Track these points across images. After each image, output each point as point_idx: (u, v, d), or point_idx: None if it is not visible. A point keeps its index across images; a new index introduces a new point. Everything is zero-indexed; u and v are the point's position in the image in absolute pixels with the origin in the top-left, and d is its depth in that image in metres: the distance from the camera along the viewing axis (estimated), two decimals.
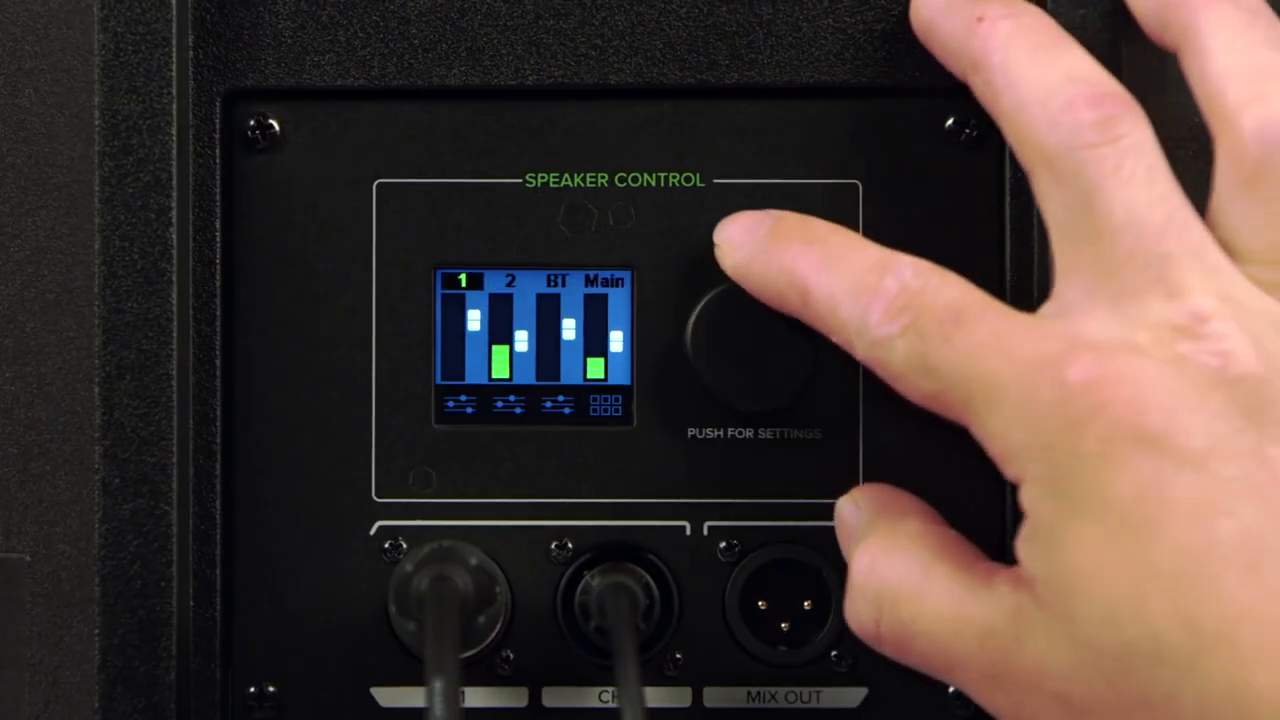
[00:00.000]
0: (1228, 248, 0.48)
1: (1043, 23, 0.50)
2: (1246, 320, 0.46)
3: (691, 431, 0.54)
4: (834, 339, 0.50)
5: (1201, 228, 0.48)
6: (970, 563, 0.49)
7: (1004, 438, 0.47)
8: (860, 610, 0.50)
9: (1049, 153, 0.48)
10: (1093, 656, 0.45)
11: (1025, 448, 0.46)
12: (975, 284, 0.52)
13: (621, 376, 0.54)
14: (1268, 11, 0.50)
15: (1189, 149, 0.52)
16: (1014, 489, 0.47)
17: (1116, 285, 0.47)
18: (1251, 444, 0.45)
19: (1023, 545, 0.47)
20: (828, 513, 0.54)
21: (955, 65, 0.51)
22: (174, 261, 0.52)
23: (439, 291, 0.54)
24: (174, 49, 0.52)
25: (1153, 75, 0.52)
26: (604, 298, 0.54)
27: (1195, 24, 0.50)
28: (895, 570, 0.49)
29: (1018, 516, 0.48)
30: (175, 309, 0.52)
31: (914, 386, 0.48)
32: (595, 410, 0.54)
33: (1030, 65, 0.49)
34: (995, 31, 0.50)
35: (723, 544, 0.54)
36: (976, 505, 0.53)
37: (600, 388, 0.54)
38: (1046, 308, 0.49)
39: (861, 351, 0.49)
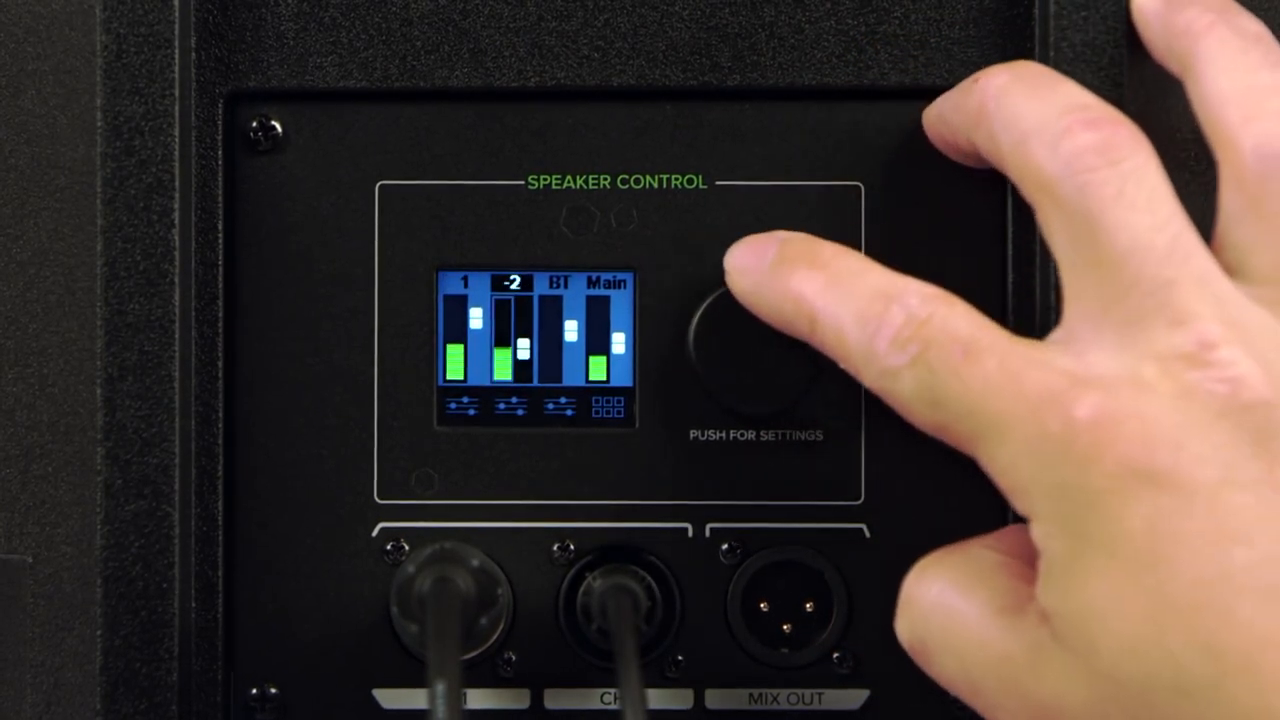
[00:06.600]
0: (1234, 270, 0.48)
1: (1038, 68, 0.50)
2: (1254, 345, 0.46)
3: (694, 433, 0.54)
4: (841, 365, 0.50)
5: (1205, 254, 0.47)
6: (1013, 589, 0.48)
7: (1012, 473, 0.46)
8: (901, 619, 0.49)
9: (1050, 180, 0.48)
10: (1113, 689, 0.45)
11: (1034, 484, 0.46)
12: (977, 283, 0.53)
13: (624, 378, 0.54)
14: (1269, 36, 0.50)
15: (1194, 171, 0.52)
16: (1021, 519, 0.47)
17: (1122, 313, 0.47)
18: (1263, 471, 0.45)
19: (1038, 581, 0.46)
20: (829, 514, 0.54)
21: (960, 133, 0.51)
22: (176, 263, 0.52)
23: (441, 293, 0.54)
24: (176, 50, 0.52)
25: (1160, 93, 0.52)
26: (606, 299, 0.54)
27: (1196, 50, 0.50)
28: (939, 585, 0.49)
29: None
30: (177, 310, 0.52)
31: (921, 416, 0.48)
32: (597, 412, 0.54)
33: (1027, 101, 0.49)
34: (991, 83, 0.50)
35: (724, 546, 0.54)
36: (977, 507, 0.54)
37: (602, 389, 0.54)
38: (1055, 334, 0.48)
39: (868, 379, 0.49)
